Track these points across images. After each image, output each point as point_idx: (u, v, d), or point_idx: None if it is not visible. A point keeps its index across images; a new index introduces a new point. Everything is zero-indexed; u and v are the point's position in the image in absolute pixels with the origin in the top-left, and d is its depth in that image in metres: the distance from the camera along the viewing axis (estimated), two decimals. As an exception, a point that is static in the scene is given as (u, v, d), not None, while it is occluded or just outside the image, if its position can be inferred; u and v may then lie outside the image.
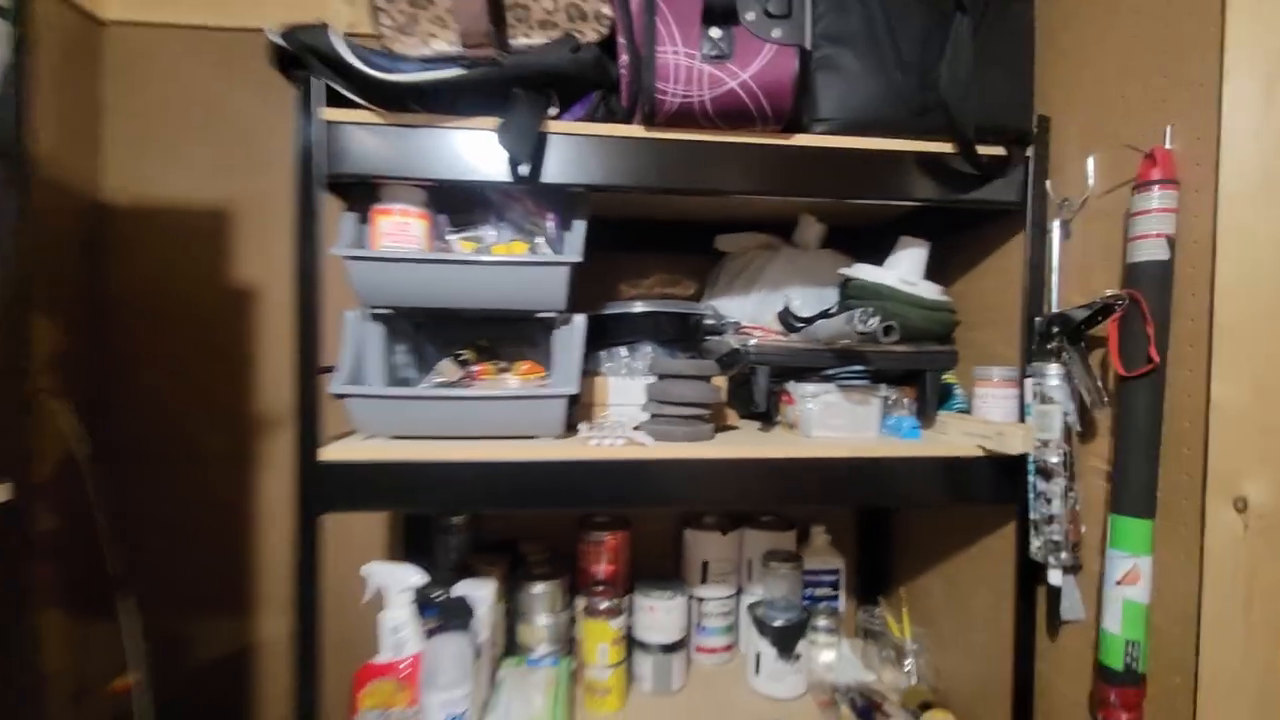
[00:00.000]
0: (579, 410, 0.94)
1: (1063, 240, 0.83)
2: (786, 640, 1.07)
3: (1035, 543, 0.80)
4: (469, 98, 0.76)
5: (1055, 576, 0.80)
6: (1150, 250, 0.68)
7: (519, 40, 0.79)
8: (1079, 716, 0.78)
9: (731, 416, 1.02)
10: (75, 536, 1.04)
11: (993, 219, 0.94)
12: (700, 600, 1.17)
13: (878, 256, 0.99)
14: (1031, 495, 0.80)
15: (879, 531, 1.29)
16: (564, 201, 0.89)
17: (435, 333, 0.99)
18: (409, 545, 1.19)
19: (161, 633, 1.15)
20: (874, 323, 0.78)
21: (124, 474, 1.14)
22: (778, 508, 1.27)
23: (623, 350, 1.04)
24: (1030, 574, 0.86)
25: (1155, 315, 0.67)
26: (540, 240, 0.90)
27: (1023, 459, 0.81)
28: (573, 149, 0.79)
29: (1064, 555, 0.78)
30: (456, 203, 0.91)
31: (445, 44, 0.77)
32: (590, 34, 0.79)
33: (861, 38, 0.79)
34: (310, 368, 0.76)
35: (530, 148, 0.75)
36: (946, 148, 0.82)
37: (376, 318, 0.89)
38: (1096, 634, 0.74)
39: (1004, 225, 0.92)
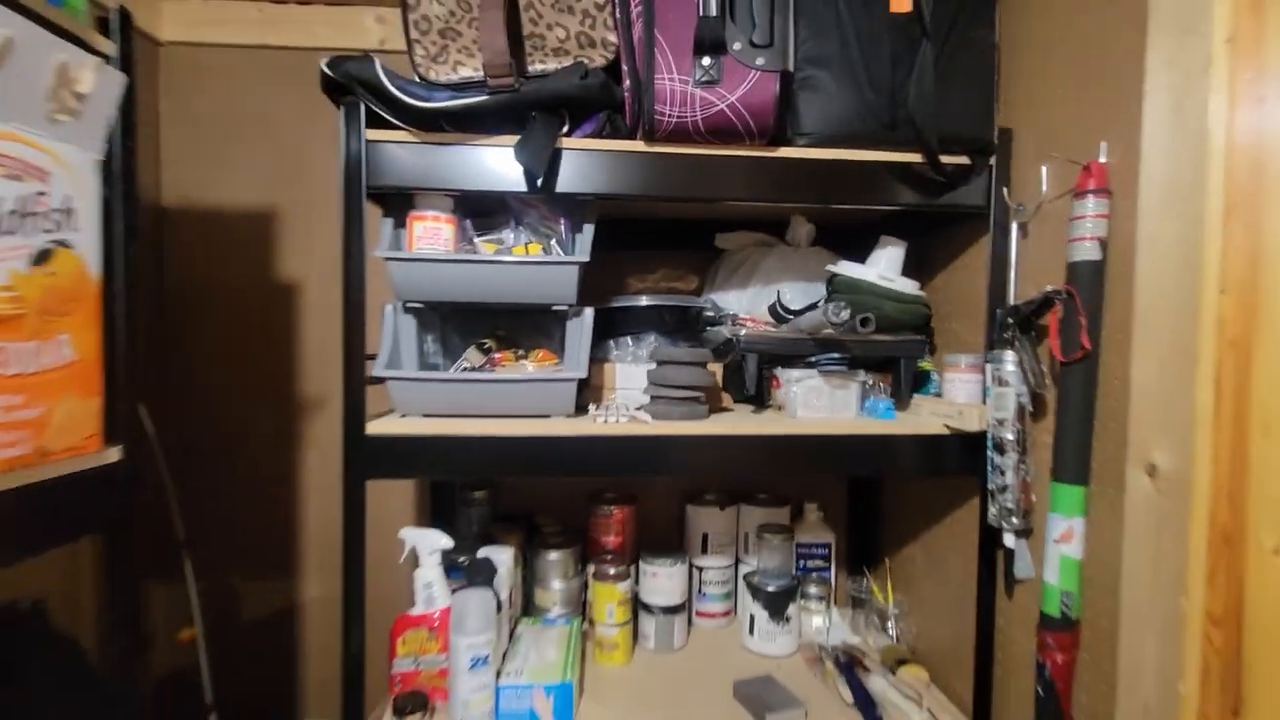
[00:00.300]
0: (589, 393, 1.05)
1: (1020, 240, 0.93)
2: (777, 604, 1.17)
3: (992, 509, 0.90)
4: (492, 118, 0.87)
5: (1009, 539, 0.90)
6: (1085, 251, 0.77)
7: (536, 66, 0.90)
8: (1029, 663, 0.88)
9: (727, 401, 1.13)
10: (148, 506, 1.17)
11: (962, 221, 1.04)
12: (701, 569, 1.28)
13: (863, 254, 1.08)
14: (989, 468, 0.90)
15: (870, 509, 1.39)
16: (575, 208, 1.00)
17: (459, 324, 1.10)
18: (435, 519, 1.31)
19: (218, 591, 1.29)
20: (844, 314, 0.88)
21: (185, 452, 1.27)
22: (764, 478, 1.38)
23: (629, 339, 1.15)
24: (990, 539, 0.95)
25: (1088, 308, 0.77)
26: (554, 242, 1.01)
27: (982, 436, 0.91)
28: (582, 162, 0.90)
29: (1015, 520, 0.88)
30: (480, 208, 1.03)
31: (471, 70, 0.89)
32: (598, 59, 0.90)
33: (838, 60, 0.89)
34: (358, 354, 0.87)
35: (544, 163, 0.86)
36: (916, 158, 0.92)
37: (409, 310, 1.00)
38: (1040, 587, 0.84)
39: (972, 227, 1.02)
